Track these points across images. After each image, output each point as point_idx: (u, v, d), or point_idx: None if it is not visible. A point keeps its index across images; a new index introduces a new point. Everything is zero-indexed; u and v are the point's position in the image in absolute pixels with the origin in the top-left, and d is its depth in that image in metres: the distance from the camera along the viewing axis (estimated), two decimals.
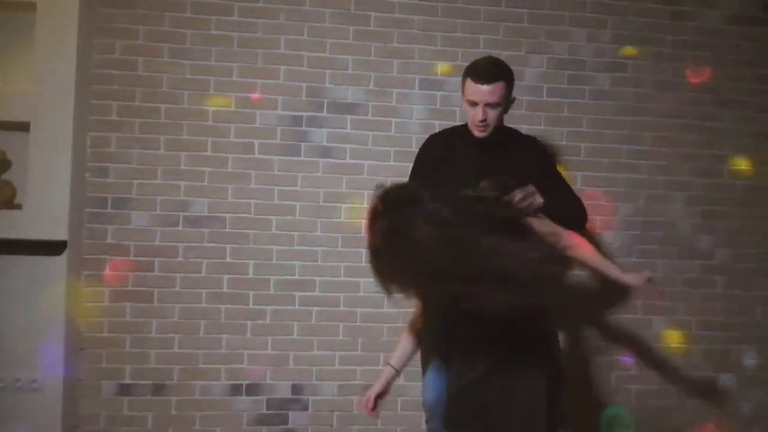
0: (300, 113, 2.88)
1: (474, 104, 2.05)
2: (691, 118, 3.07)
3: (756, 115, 3.11)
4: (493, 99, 2.02)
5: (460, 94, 2.23)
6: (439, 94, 2.94)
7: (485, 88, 2.01)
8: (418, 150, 2.41)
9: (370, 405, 1.95)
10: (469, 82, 2.06)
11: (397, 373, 1.98)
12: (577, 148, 3.00)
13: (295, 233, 2.87)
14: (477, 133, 2.11)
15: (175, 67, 2.81)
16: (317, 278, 2.88)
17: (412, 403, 2.79)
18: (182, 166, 2.82)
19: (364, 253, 2.57)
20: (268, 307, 2.85)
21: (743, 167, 3.10)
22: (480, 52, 2.89)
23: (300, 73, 2.87)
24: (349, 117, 2.90)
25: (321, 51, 2.88)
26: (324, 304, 2.88)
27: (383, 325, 2.90)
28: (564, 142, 3.00)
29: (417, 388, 2.50)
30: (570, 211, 2.12)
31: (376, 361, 2.89)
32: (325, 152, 2.89)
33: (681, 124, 3.06)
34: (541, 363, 1.75)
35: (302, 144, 2.88)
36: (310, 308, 2.87)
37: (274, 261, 2.85)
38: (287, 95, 2.87)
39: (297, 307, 2.87)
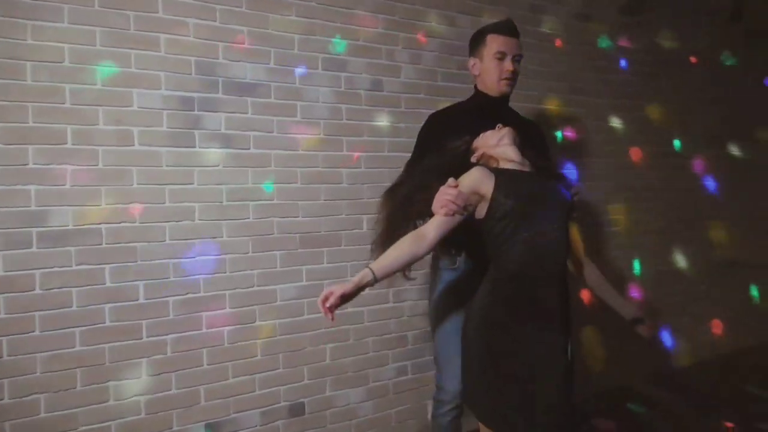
0: (190, 94, 2.34)
1: (502, 57, 2.08)
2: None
3: None
4: (520, 51, 2.10)
5: (471, 59, 2.18)
6: (343, 75, 2.69)
7: (514, 39, 2.09)
8: (424, 130, 2.17)
9: (330, 302, 1.53)
10: (495, 37, 2.09)
11: (375, 281, 1.60)
12: None
13: (196, 241, 2.35)
14: (504, 88, 2.10)
15: (10, 29, 2.02)
16: (227, 291, 2.41)
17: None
18: (30, 164, 2.05)
19: (279, 255, 2.26)
20: (168, 337, 2.29)
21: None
22: (379, 32, 2.75)
23: (186, 44, 2.33)
24: (249, 99, 2.46)
25: (210, 18, 2.38)
26: (237, 321, 2.43)
27: (305, 334, 2.58)
28: None
29: None
30: None
31: (300, 375, 2.57)
32: (225, 141, 2.41)
33: None
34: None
35: (196, 132, 2.35)
36: (220, 329, 2.39)
37: (171, 278, 2.29)
38: (172, 71, 2.30)
39: (204, 330, 2.36)
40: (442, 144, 1.86)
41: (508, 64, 2.08)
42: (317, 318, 2.60)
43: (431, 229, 1.64)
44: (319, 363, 2.63)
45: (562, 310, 1.68)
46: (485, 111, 2.06)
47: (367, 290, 2.57)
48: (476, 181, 1.66)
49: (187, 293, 2.32)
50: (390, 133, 2.82)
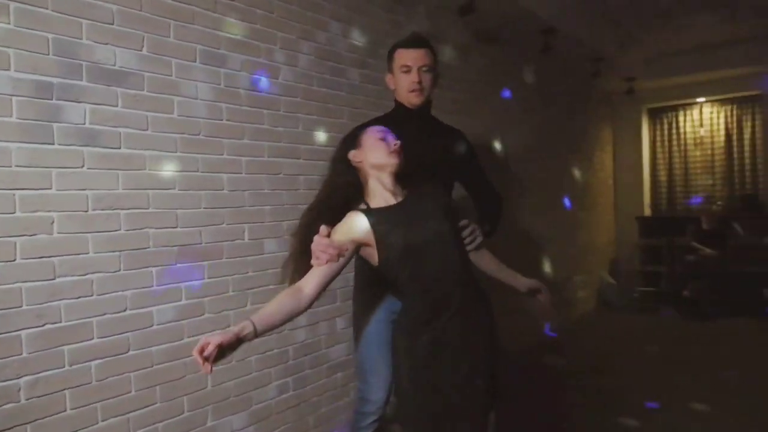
0: (48, 78, 1.90)
1: (408, 70, 2.08)
2: None
3: None
4: (426, 61, 2.08)
5: (388, 75, 2.18)
6: (222, 71, 2.45)
7: (417, 51, 2.08)
8: (340, 145, 1.98)
9: (207, 353, 1.37)
10: (400, 51, 2.11)
11: (255, 335, 1.49)
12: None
13: (56, 259, 1.91)
14: (414, 99, 2.09)
15: None
16: (94, 318, 2.01)
17: None
18: None
19: (155, 271, 2.00)
20: (21, 380, 1.83)
21: None
22: (258, 29, 2.58)
23: (43, 18, 1.89)
24: (119, 90, 2.09)
25: None
26: (107, 353, 2.04)
27: (184, 360, 2.28)
28: (336, 133, 2.99)
29: None
30: (494, 193, 2.26)
31: (180, 408, 2.27)
32: (91, 138, 2.01)
33: None
34: None
35: (54, 125, 1.92)
36: (87, 364, 1.99)
37: (24, 306, 1.83)
38: (24, 48, 1.85)
39: (67, 367, 1.94)
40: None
41: (413, 76, 2.08)
42: (196, 341, 2.32)
43: (309, 282, 1.62)
44: (200, 391, 2.35)
45: (474, 332, 1.72)
46: (404, 123, 2.05)
47: (249, 305, 2.42)
48: (352, 229, 1.66)
49: (45, 324, 1.88)
50: (270, 137, 2.65)
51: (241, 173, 2.53)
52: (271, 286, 2.63)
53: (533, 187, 5.05)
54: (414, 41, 2.13)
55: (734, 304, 5.58)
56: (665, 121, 6.99)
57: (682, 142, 6.87)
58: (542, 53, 4.48)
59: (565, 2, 4.36)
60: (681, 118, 6.86)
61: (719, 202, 6.22)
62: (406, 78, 2.10)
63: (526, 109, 4.92)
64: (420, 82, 2.10)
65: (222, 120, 2.45)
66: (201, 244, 2.36)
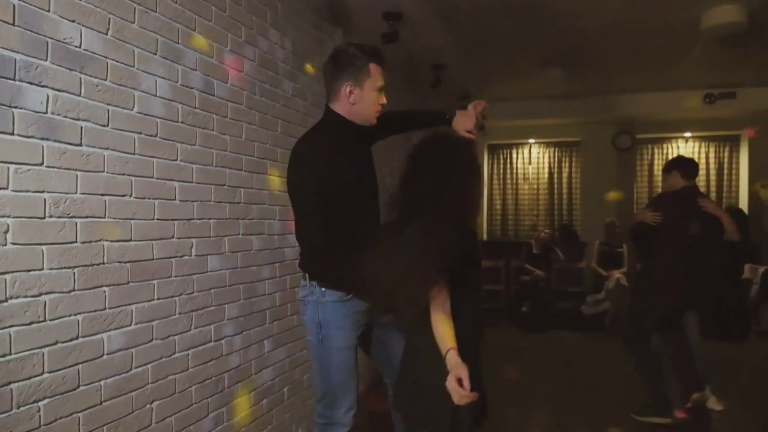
0: (9, 53, 1.54)
1: (381, 90, 1.98)
2: None
3: None
4: None
5: (348, 86, 1.95)
6: (179, 67, 2.21)
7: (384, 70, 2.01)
8: (315, 174, 1.89)
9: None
10: (378, 68, 1.96)
11: None
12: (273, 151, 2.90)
13: (8, 276, 1.54)
14: (373, 120, 2.01)
15: None
16: (45, 349, 1.65)
17: None
18: None
19: (108, 291, 1.79)
20: None
21: None
22: (209, 26, 2.41)
23: None
24: (82, 76, 1.77)
25: None
26: (56, 390, 1.69)
27: (131, 395, 1.97)
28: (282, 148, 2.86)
29: None
30: None
31: None
32: (51, 129, 1.67)
33: None
34: None
35: (14, 111, 1.56)
36: (34, 405, 1.62)
37: None
38: None
39: (14, 411, 1.56)
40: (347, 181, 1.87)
41: (383, 98, 2.00)
42: (143, 371, 2.03)
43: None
44: (146, 429, 2.04)
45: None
46: (354, 140, 2.01)
47: (192, 328, 2.21)
48: None
49: None
50: (217, 144, 2.45)
51: (192, 182, 2.29)
52: (211, 308, 2.40)
53: None
54: (384, 58, 2.00)
55: (560, 319, 6.47)
56: (501, 156, 7.89)
57: (515, 176, 7.82)
58: (432, 87, 4.79)
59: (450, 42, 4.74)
60: (514, 155, 7.81)
61: (546, 230, 7.20)
62: (378, 98, 1.98)
63: None
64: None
65: (178, 122, 2.20)
66: (153, 260, 2.08)
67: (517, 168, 7.82)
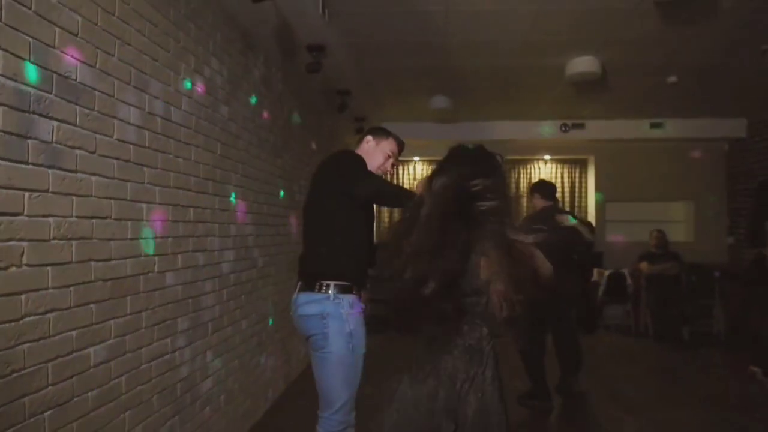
0: (27, 88, 1.66)
1: (389, 158, 2.48)
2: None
3: None
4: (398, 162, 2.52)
5: (372, 139, 2.49)
6: (146, 96, 2.36)
7: (399, 153, 2.55)
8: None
9: None
10: (395, 143, 2.51)
11: None
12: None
13: (23, 296, 1.65)
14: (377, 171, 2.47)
15: None
16: (49, 363, 1.76)
17: None
18: None
19: (94, 308, 2.00)
20: None
21: None
22: (169, 57, 2.58)
23: (25, 17, 1.65)
24: (77, 107, 1.90)
25: None
26: (57, 402, 1.80)
27: (109, 406, 2.10)
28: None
29: None
30: None
31: None
32: (55, 157, 1.79)
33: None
34: None
35: (28, 141, 1.67)
36: (41, 416, 1.72)
37: None
38: (9, 50, 1.59)
39: (27, 421, 1.66)
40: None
41: (389, 165, 2.51)
42: (118, 382, 2.16)
43: None
44: None
45: None
46: None
47: (155, 341, 2.39)
48: None
49: (12, 372, 1.60)
50: (174, 167, 2.61)
51: (155, 202, 2.43)
52: (168, 321, 2.55)
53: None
54: (403, 145, 2.56)
55: None
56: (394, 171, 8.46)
57: None
58: (338, 111, 5.15)
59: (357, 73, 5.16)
60: (402, 172, 8.42)
61: None
62: (385, 161, 2.47)
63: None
64: (388, 172, 2.58)
65: (145, 146, 2.35)
66: (126, 276, 2.21)
67: (402, 182, 8.42)
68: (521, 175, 8.36)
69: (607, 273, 7.37)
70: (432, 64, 4.72)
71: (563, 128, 7.34)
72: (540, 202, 4.25)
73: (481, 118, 7.16)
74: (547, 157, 8.30)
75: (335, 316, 2.14)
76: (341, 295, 2.17)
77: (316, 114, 5.47)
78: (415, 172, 8.45)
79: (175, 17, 2.61)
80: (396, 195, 2.17)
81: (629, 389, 4.52)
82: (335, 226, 2.24)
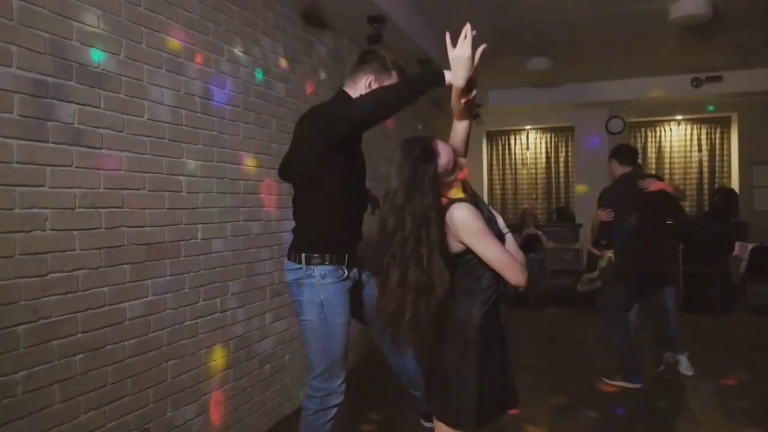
0: (44, 77, 1.93)
1: None
2: None
3: None
4: None
5: (370, 77, 2.26)
6: (183, 78, 2.59)
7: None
8: None
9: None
10: (395, 75, 2.26)
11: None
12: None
13: (49, 255, 1.94)
14: None
15: None
16: (79, 314, 2.06)
17: None
18: None
19: (127, 268, 2.17)
20: (19, 375, 1.83)
21: None
22: (209, 40, 2.76)
23: (40, 16, 1.92)
24: (101, 92, 2.16)
25: None
26: (89, 347, 2.09)
27: (150, 354, 2.38)
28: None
29: None
30: None
31: (146, 399, 2.36)
32: (77, 137, 2.06)
33: None
34: None
35: (49, 123, 1.95)
36: (72, 358, 2.03)
37: (21, 302, 1.84)
38: (25, 46, 1.86)
39: (57, 361, 1.97)
40: None
41: None
42: (160, 335, 2.43)
43: None
44: (162, 383, 2.45)
45: None
46: None
47: (201, 301, 2.58)
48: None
49: (39, 319, 1.90)
50: (218, 143, 2.83)
51: (196, 176, 2.67)
52: (216, 284, 2.80)
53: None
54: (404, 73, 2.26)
55: (556, 297, 6.80)
56: (500, 143, 8.18)
57: (513, 162, 8.11)
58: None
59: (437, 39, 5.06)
60: (512, 142, 8.10)
61: (527, 207, 7.51)
62: None
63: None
64: None
65: (182, 125, 2.58)
66: (164, 242, 2.47)
67: (515, 154, 8.11)
68: (649, 140, 7.57)
69: (750, 246, 6.45)
70: (515, 23, 4.47)
71: (694, 83, 6.50)
72: (618, 169, 3.90)
73: (586, 79, 6.61)
74: (678, 117, 7.42)
75: (307, 285, 2.15)
76: (312, 267, 2.15)
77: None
78: (527, 142, 8.07)
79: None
80: (397, 93, 1.97)
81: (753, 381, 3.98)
82: (311, 193, 2.19)
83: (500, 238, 1.80)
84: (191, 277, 2.63)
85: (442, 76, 1.81)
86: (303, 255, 2.16)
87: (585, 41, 5.11)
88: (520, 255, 1.76)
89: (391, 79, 2.26)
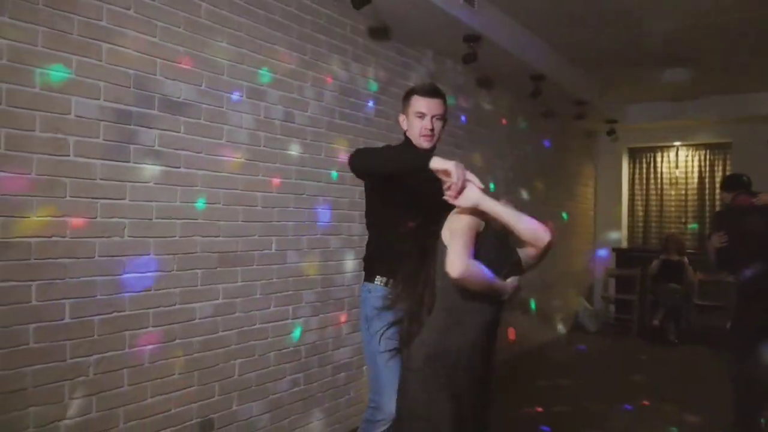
0: (127, 107, 2.29)
1: (422, 116, 2.23)
2: None
3: None
4: (439, 111, 2.24)
5: (401, 115, 2.32)
6: (262, 104, 2.86)
7: (432, 101, 2.24)
8: None
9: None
10: (417, 98, 2.26)
11: None
12: None
13: (125, 258, 2.29)
14: (424, 143, 2.24)
15: None
16: (150, 310, 2.38)
17: None
18: None
19: (200, 273, 2.38)
20: (92, 358, 2.18)
21: None
22: (294, 69, 2.98)
23: (126, 56, 2.29)
24: (182, 118, 2.49)
25: (150, 34, 2.37)
26: (159, 340, 2.41)
27: (218, 351, 2.65)
28: None
29: None
30: None
31: (212, 392, 2.63)
32: (158, 158, 2.40)
33: None
34: None
35: (131, 146, 2.31)
36: (142, 348, 2.35)
37: (98, 296, 2.20)
38: (111, 82, 2.24)
39: (127, 350, 2.30)
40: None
41: (427, 123, 2.22)
42: (229, 335, 2.69)
43: None
44: (228, 379, 2.71)
45: None
46: None
47: (272, 307, 2.78)
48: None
49: (113, 312, 2.24)
50: (297, 162, 3.05)
51: (272, 192, 2.92)
52: (289, 292, 3.01)
53: None
54: (430, 91, 2.26)
55: (701, 335, 6.03)
56: (644, 160, 7.51)
57: (659, 181, 7.39)
58: (531, 97, 4.94)
59: (554, 53, 4.87)
60: (658, 159, 7.39)
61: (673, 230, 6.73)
62: (419, 123, 2.27)
63: (514, 145, 5.41)
64: (432, 129, 2.24)
65: (260, 146, 2.85)
66: (237, 252, 2.74)
67: (661, 172, 7.38)
68: None
69: None
70: (640, 32, 4.14)
71: None
72: (726, 197, 3.74)
73: (731, 90, 5.81)
74: None
75: (360, 300, 2.29)
76: (365, 282, 2.27)
77: (507, 100, 5.34)
78: (677, 160, 7.29)
79: (311, 28, 3.05)
80: (373, 154, 2.13)
81: None
82: (370, 219, 2.33)
83: (508, 265, 1.74)
84: (263, 284, 2.87)
85: (427, 161, 1.84)
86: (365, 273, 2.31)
87: (729, 49, 4.54)
88: (489, 275, 1.70)
89: (410, 105, 2.28)
